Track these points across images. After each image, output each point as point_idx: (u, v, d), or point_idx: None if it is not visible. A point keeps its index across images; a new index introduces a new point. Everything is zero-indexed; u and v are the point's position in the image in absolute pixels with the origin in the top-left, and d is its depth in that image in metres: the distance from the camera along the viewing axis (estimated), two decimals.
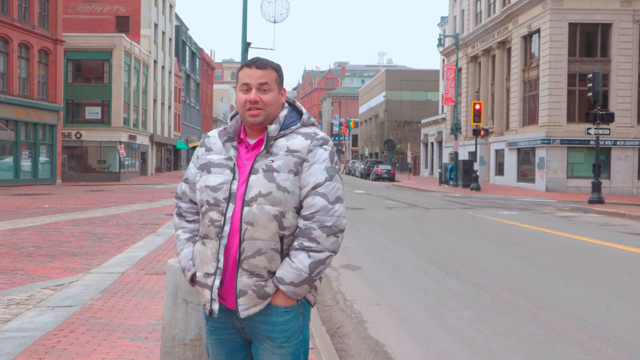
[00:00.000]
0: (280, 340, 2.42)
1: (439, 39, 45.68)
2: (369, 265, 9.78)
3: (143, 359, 4.60)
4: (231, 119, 2.55)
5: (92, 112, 46.04)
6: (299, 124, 2.52)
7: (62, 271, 8.20)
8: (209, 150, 2.56)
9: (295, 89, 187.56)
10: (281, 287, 2.37)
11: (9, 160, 34.49)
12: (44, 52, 36.63)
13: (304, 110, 2.58)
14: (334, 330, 6.10)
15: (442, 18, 68.93)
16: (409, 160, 59.52)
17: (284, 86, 2.58)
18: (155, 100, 57.27)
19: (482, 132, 37.34)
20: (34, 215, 16.43)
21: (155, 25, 57.19)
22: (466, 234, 14.09)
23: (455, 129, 41.18)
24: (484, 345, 5.57)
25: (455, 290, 7.85)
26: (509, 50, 42.09)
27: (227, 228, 2.39)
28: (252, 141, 2.50)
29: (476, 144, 38.64)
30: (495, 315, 6.60)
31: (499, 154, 42.97)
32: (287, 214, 2.39)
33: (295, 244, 2.38)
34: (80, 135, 44.81)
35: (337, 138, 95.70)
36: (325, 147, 2.46)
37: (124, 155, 42.12)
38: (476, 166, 38.60)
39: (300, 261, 2.36)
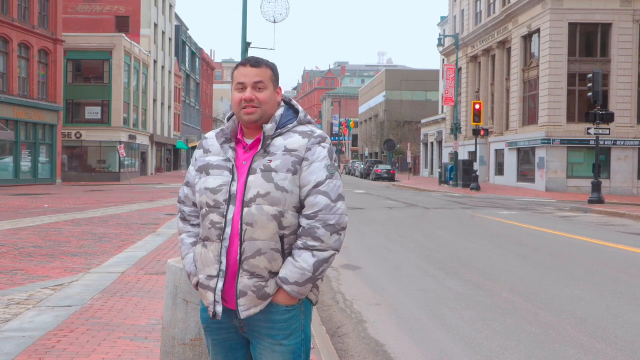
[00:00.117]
0: (279, 338, 2.41)
1: (439, 39, 45.68)
2: (369, 265, 9.78)
3: (143, 359, 4.60)
4: (228, 120, 2.55)
5: (92, 112, 46.05)
6: (295, 122, 2.51)
7: (62, 271, 8.20)
8: (207, 152, 2.56)
9: (295, 89, 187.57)
10: (285, 287, 2.37)
11: (9, 160, 34.49)
12: (44, 52, 36.63)
13: (300, 109, 2.58)
14: (334, 330, 6.10)
15: (442, 18, 68.94)
16: (409, 160, 59.52)
17: (280, 85, 2.57)
18: (155, 100, 57.28)
19: (482, 132, 37.34)
20: (34, 215, 16.43)
21: (155, 25, 57.20)
22: (466, 234, 14.09)
23: (455, 129, 41.18)
24: (484, 345, 5.57)
25: (455, 290, 7.85)
26: (509, 50, 42.09)
27: (228, 230, 2.39)
28: (249, 141, 2.49)
29: (476, 144, 38.64)
30: (495, 315, 6.60)
31: (499, 154, 42.98)
32: (287, 213, 2.38)
33: (299, 243, 2.38)
34: (80, 135, 44.81)
35: (337, 138, 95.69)
36: (323, 144, 2.46)
37: (124, 155, 42.12)
38: (476, 166, 38.60)
39: (304, 260, 2.35)
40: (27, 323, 5.48)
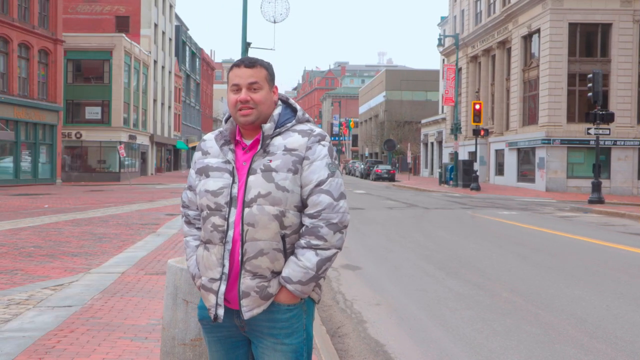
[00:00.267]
0: (281, 337, 2.40)
1: (439, 39, 45.69)
2: (369, 265, 9.78)
3: (143, 359, 4.60)
4: (225, 121, 2.53)
5: (92, 112, 46.06)
6: (294, 121, 2.50)
7: (62, 271, 8.20)
8: (205, 154, 2.55)
9: (295, 89, 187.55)
10: (288, 286, 2.36)
11: (9, 160, 34.49)
12: (44, 52, 36.63)
13: (298, 107, 2.56)
14: (334, 330, 6.10)
15: (442, 18, 68.94)
16: (409, 160, 59.53)
17: (277, 84, 2.56)
18: (155, 100, 57.28)
19: (482, 132, 37.34)
20: (34, 215, 16.43)
21: (155, 25, 57.20)
22: (466, 234, 14.09)
23: (455, 129, 41.18)
24: (484, 345, 5.57)
25: (455, 290, 7.85)
26: (509, 50, 42.09)
27: (231, 233, 2.38)
28: (248, 142, 2.48)
29: (476, 144, 38.64)
30: (495, 315, 6.60)
31: (499, 154, 42.98)
32: (288, 213, 2.38)
33: (302, 242, 2.37)
34: (80, 135, 44.82)
35: (337, 138, 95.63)
36: (323, 143, 2.45)
37: (124, 155, 42.13)
38: (476, 166, 38.60)
39: (307, 259, 2.35)
40: (27, 323, 5.48)
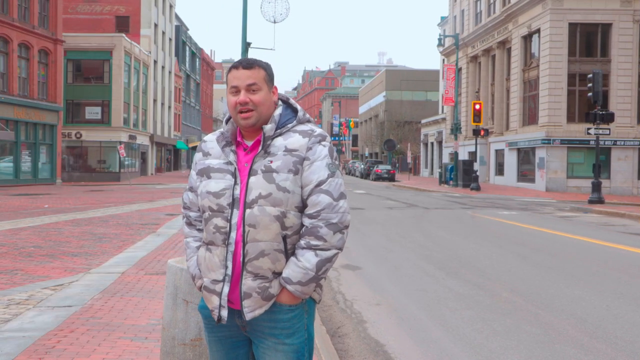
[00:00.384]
0: (282, 337, 2.40)
1: (439, 39, 45.68)
2: (369, 265, 9.78)
3: (143, 359, 4.60)
4: (226, 122, 2.52)
5: (92, 112, 46.06)
6: (294, 121, 2.49)
7: (62, 271, 8.20)
8: (206, 155, 2.54)
9: (295, 89, 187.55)
10: (288, 287, 2.36)
11: (9, 160, 34.49)
12: (44, 52, 36.63)
13: (298, 107, 2.55)
14: (334, 330, 6.10)
15: (442, 18, 68.94)
16: (409, 160, 59.52)
17: (276, 84, 2.55)
18: (155, 100, 57.28)
19: (482, 132, 37.34)
20: (34, 215, 16.43)
21: (155, 25, 57.20)
22: (466, 234, 14.09)
23: (455, 129, 41.18)
24: (484, 345, 5.57)
25: (455, 290, 7.85)
26: (509, 50, 42.09)
27: (233, 234, 2.37)
28: (249, 143, 2.47)
29: (476, 144, 38.64)
30: (495, 315, 6.60)
31: (499, 154, 42.97)
32: (289, 213, 2.37)
33: (302, 242, 2.37)
34: (80, 135, 44.82)
35: (337, 138, 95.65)
36: (323, 143, 2.44)
37: (124, 155, 42.13)
38: (476, 166, 38.60)
39: (307, 260, 2.35)
40: (27, 323, 5.48)
